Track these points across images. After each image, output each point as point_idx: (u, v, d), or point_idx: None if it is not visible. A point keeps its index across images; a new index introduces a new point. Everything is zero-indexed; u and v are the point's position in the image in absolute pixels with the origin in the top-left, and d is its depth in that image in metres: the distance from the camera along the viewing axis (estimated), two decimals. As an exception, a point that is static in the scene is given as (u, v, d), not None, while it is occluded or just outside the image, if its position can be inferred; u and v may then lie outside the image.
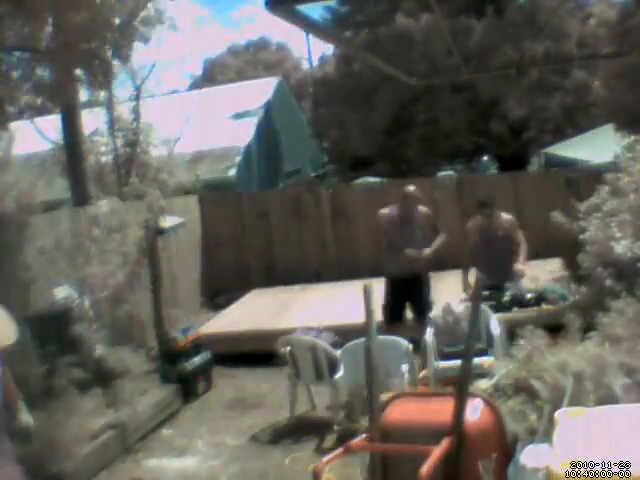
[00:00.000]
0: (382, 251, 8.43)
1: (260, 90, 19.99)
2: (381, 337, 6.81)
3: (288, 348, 7.24)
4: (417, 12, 19.49)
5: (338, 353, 6.95)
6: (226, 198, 13.65)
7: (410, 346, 6.72)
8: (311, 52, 34.66)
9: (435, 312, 7.30)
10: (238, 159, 16.70)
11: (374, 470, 4.07)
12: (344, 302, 10.50)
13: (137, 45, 8.10)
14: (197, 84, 21.52)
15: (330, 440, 6.68)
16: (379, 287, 10.12)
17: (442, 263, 11.19)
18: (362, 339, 6.82)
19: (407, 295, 8.19)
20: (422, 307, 7.97)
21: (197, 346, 8.62)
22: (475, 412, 4.02)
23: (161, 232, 9.09)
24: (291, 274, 12.54)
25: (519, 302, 8.47)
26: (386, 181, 15.61)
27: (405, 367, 6.46)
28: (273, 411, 7.68)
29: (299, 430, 7.09)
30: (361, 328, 8.18)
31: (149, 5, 7.99)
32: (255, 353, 8.90)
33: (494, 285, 7.88)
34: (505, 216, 8.28)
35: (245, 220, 13.07)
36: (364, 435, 4.16)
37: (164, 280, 9.46)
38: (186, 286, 11.63)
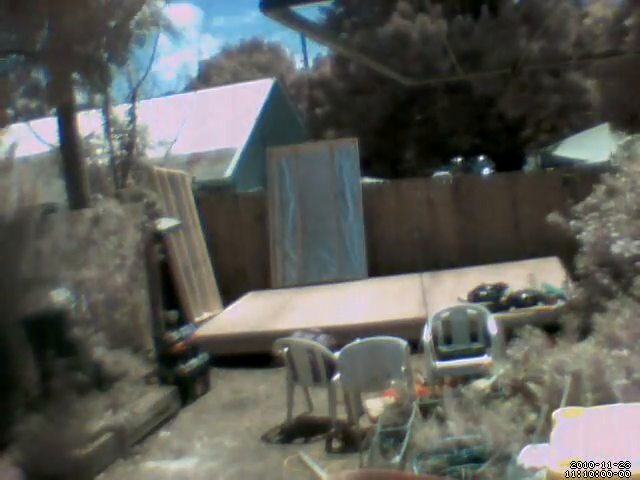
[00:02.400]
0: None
1: (256, 91, 19.98)
2: (380, 338, 6.82)
3: (286, 350, 7.24)
4: (413, 13, 19.51)
5: (336, 355, 6.94)
6: (222, 200, 13.63)
7: (408, 347, 6.72)
8: (306, 53, 34.47)
9: (433, 312, 7.31)
10: (234, 161, 16.69)
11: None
12: (341, 304, 10.52)
13: (133, 47, 8.08)
14: (193, 86, 21.44)
15: (328, 441, 6.69)
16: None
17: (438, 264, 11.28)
18: (360, 341, 6.85)
19: None
20: None
21: (194, 348, 8.62)
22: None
23: (158, 234, 9.08)
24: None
25: (516, 302, 8.50)
26: (383, 182, 15.62)
27: (404, 368, 6.45)
28: (271, 412, 7.67)
29: (297, 431, 7.09)
30: (358, 330, 8.24)
31: (144, 8, 7.98)
32: (252, 355, 8.90)
33: None
34: None
35: (242, 221, 13.05)
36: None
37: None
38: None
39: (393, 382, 5.93)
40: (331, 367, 6.97)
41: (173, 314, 8.87)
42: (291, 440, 6.93)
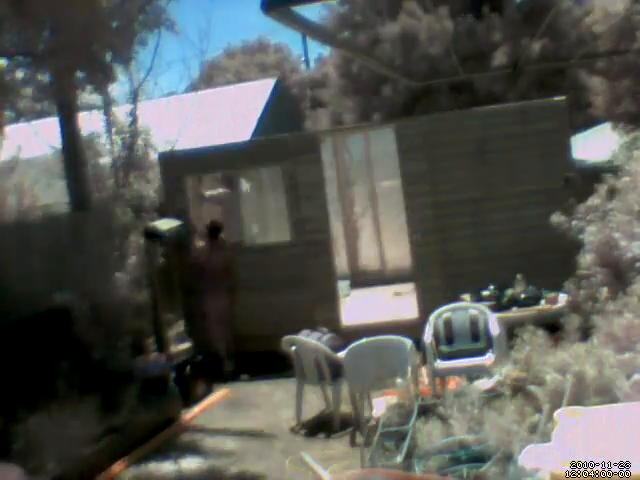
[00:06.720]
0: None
1: (258, 91, 19.96)
2: (386, 337, 6.83)
3: (293, 348, 7.25)
4: (417, 13, 19.48)
5: (340, 355, 6.95)
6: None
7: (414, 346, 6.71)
8: (307, 53, 34.27)
9: (434, 313, 7.31)
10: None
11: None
12: (344, 304, 10.51)
13: (136, 47, 8.07)
14: (195, 86, 21.36)
15: (333, 441, 6.70)
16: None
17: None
18: (365, 340, 6.85)
19: None
20: None
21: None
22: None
23: (160, 235, 9.08)
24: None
25: (518, 302, 8.49)
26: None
27: (410, 367, 6.45)
28: (274, 412, 7.69)
29: (299, 431, 7.10)
30: (361, 330, 8.24)
31: (147, 8, 7.97)
32: (255, 354, 8.89)
33: None
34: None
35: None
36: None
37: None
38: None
39: (398, 381, 5.94)
40: (336, 367, 6.98)
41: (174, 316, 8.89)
42: (294, 440, 6.94)
